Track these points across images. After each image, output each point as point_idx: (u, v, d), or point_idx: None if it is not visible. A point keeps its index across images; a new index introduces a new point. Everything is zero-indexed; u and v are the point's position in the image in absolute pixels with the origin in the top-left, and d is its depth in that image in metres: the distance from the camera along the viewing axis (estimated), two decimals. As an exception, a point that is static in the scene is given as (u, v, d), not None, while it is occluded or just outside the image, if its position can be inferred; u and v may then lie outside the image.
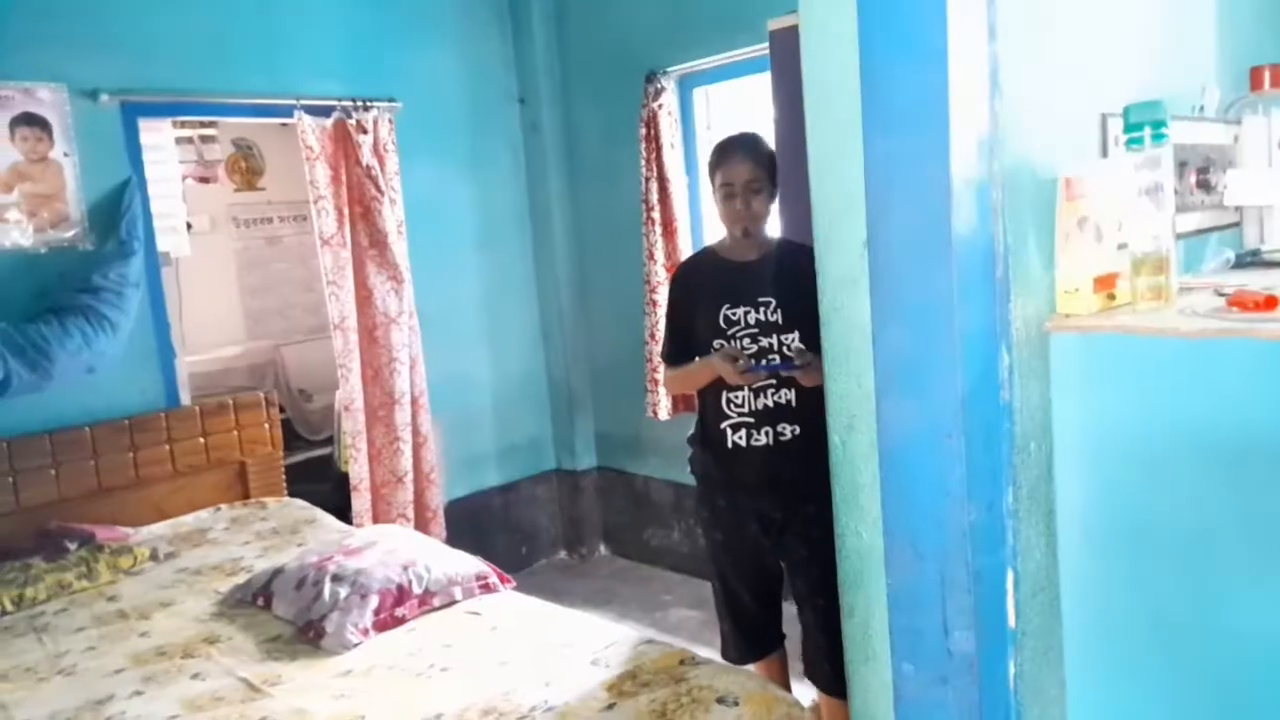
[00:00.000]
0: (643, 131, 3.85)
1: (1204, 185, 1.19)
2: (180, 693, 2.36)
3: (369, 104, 3.78)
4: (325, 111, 3.71)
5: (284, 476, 3.86)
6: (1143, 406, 0.90)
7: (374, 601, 2.66)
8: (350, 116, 3.73)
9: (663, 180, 3.84)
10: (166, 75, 3.42)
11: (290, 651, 2.56)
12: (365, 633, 2.60)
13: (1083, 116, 0.99)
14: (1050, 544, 0.97)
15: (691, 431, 2.66)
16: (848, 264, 0.99)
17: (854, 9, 0.90)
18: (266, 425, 3.79)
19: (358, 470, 3.91)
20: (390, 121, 3.84)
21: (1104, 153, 1.02)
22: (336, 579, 2.74)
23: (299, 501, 3.73)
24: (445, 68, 4.13)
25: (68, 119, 3.21)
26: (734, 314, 2.46)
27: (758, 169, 2.39)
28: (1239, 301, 0.88)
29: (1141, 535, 0.92)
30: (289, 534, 3.41)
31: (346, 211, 3.78)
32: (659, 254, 3.90)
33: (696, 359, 2.51)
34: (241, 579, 2.98)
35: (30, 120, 3.16)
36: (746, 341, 2.43)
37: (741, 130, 2.61)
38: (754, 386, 2.45)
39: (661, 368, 2.63)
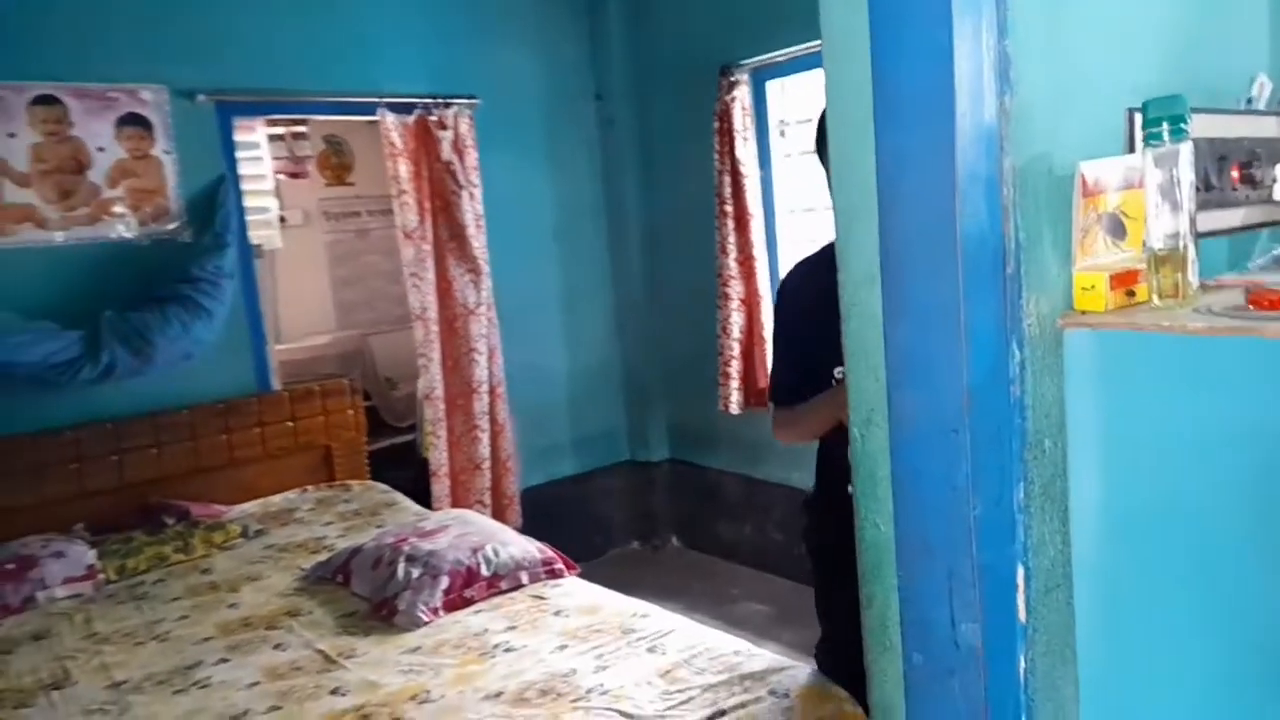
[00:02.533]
0: (716, 125, 3.87)
1: (1248, 180, 1.16)
2: (262, 661, 2.51)
3: (449, 101, 3.89)
4: (407, 109, 3.84)
5: (368, 461, 4.02)
6: (1157, 405, 0.89)
7: (444, 582, 2.77)
8: (431, 113, 3.85)
9: (736, 174, 3.85)
10: (258, 76, 3.60)
11: (364, 627, 2.69)
12: (435, 612, 2.71)
13: (1106, 112, 0.99)
14: (1065, 541, 0.97)
15: (808, 494, 2.08)
16: (866, 261, 1.00)
17: (866, 9, 0.92)
18: (351, 411, 3.96)
19: (438, 457, 4.05)
20: (470, 118, 3.95)
21: (1130, 148, 1.01)
22: (410, 559, 2.86)
23: (380, 485, 3.88)
24: (523, 65, 4.22)
25: (168, 119, 3.41)
26: None
27: None
28: (1257, 299, 0.87)
29: (1156, 534, 0.92)
30: (369, 515, 3.56)
31: (428, 205, 3.91)
32: (731, 247, 3.92)
33: (814, 399, 1.92)
34: (323, 556, 3.14)
35: (134, 120, 3.38)
36: None
37: None
38: None
39: (771, 410, 2.07)
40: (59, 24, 3.22)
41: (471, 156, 3.96)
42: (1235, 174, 1.15)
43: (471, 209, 3.95)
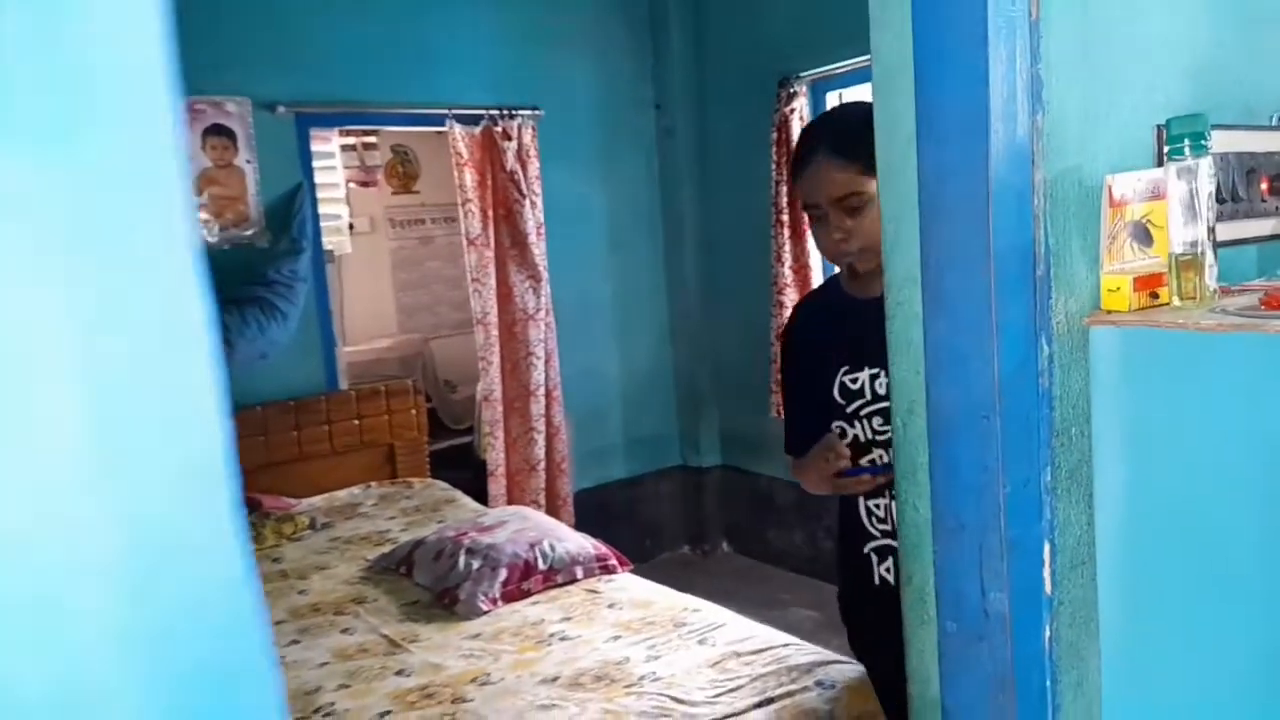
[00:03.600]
0: (774, 136, 3.98)
1: (1277, 192, 1.24)
2: (331, 644, 2.68)
3: (514, 112, 4.06)
4: (474, 120, 4.01)
5: (428, 460, 4.20)
6: (1175, 399, 0.99)
7: (503, 574, 2.92)
8: (496, 124, 4.02)
9: (793, 184, 3.95)
10: (334, 88, 3.80)
11: (427, 615, 2.85)
12: (494, 602, 2.85)
13: (1135, 128, 1.08)
14: (1089, 522, 1.07)
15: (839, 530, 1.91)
16: (909, 263, 1.11)
17: (910, 38, 1.04)
18: (414, 411, 4.14)
19: (494, 457, 4.21)
20: (533, 128, 4.11)
21: (1158, 162, 1.11)
22: (470, 552, 3.01)
23: (440, 483, 4.05)
24: (585, 76, 4.38)
25: (250, 129, 3.62)
26: (855, 381, 1.71)
27: (852, 171, 1.61)
28: (1269, 300, 0.96)
29: (1176, 518, 1.01)
30: (430, 511, 3.73)
31: (491, 213, 4.08)
32: (787, 256, 4.02)
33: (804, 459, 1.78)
34: (387, 549, 3.31)
35: (219, 131, 3.60)
36: (878, 423, 1.67)
37: (827, 111, 1.92)
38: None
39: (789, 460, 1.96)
40: (152, 40, 3.44)
41: (534, 166, 4.12)
42: (1264, 186, 1.23)
43: (533, 217, 4.10)
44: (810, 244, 3.99)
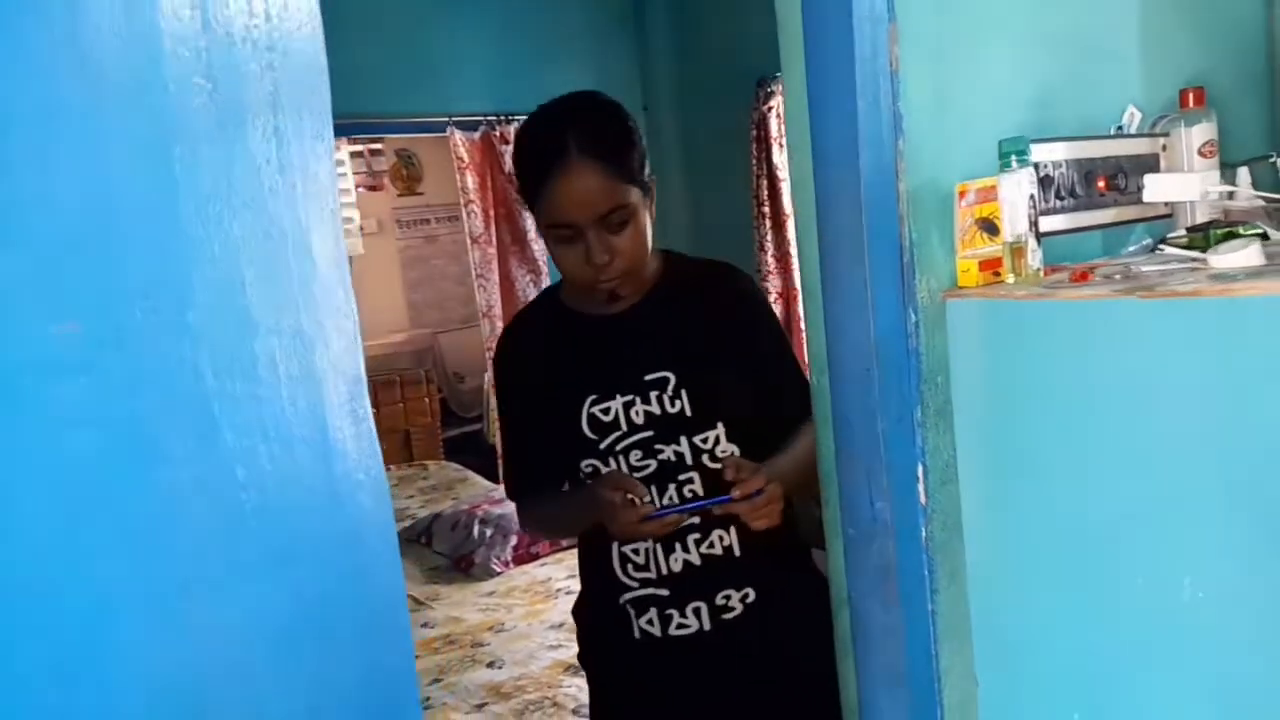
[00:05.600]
0: (753, 133, 4.32)
1: (1114, 187, 1.59)
2: (362, 605, 3.05)
3: (511, 117, 4.42)
4: (474, 126, 4.37)
5: (441, 445, 4.57)
6: (1007, 354, 1.34)
7: (513, 540, 3.29)
8: (494, 129, 4.38)
9: (772, 178, 4.30)
10: (342, 101, 4.11)
11: (447, 577, 3.23)
12: (506, 564, 3.22)
13: (986, 146, 1.43)
14: (952, 447, 1.42)
15: (576, 599, 1.74)
16: (814, 256, 1.47)
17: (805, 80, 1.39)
18: (427, 400, 4.52)
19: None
20: (529, 132, 4.46)
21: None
22: (484, 522, 3.38)
23: (454, 464, 4.43)
24: (578, 80, 4.69)
25: (268, 143, 3.99)
26: (607, 412, 1.54)
27: (615, 179, 1.44)
28: (1076, 276, 1.31)
29: (1009, 445, 1.36)
30: (445, 489, 4.11)
31: (492, 213, 4.44)
32: (769, 245, 4.37)
33: (562, 493, 1.61)
34: (408, 524, 3.68)
35: (240, 146, 3.96)
36: (636, 457, 1.52)
37: (559, 105, 1.59)
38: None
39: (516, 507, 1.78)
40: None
41: (531, 168, 4.46)
42: (1101, 184, 1.58)
43: (530, 215, 4.45)
44: (790, 232, 4.34)
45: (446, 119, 4.34)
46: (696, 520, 1.53)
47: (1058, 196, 1.55)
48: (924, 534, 1.42)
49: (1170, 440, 1.17)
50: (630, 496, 1.42)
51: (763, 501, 1.44)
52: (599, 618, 1.66)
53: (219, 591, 0.60)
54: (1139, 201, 1.64)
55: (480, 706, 2.27)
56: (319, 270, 0.71)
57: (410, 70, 4.32)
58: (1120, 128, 1.66)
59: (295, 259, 0.71)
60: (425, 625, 2.86)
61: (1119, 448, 1.22)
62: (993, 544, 1.42)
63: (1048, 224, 1.50)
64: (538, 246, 4.48)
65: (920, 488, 1.41)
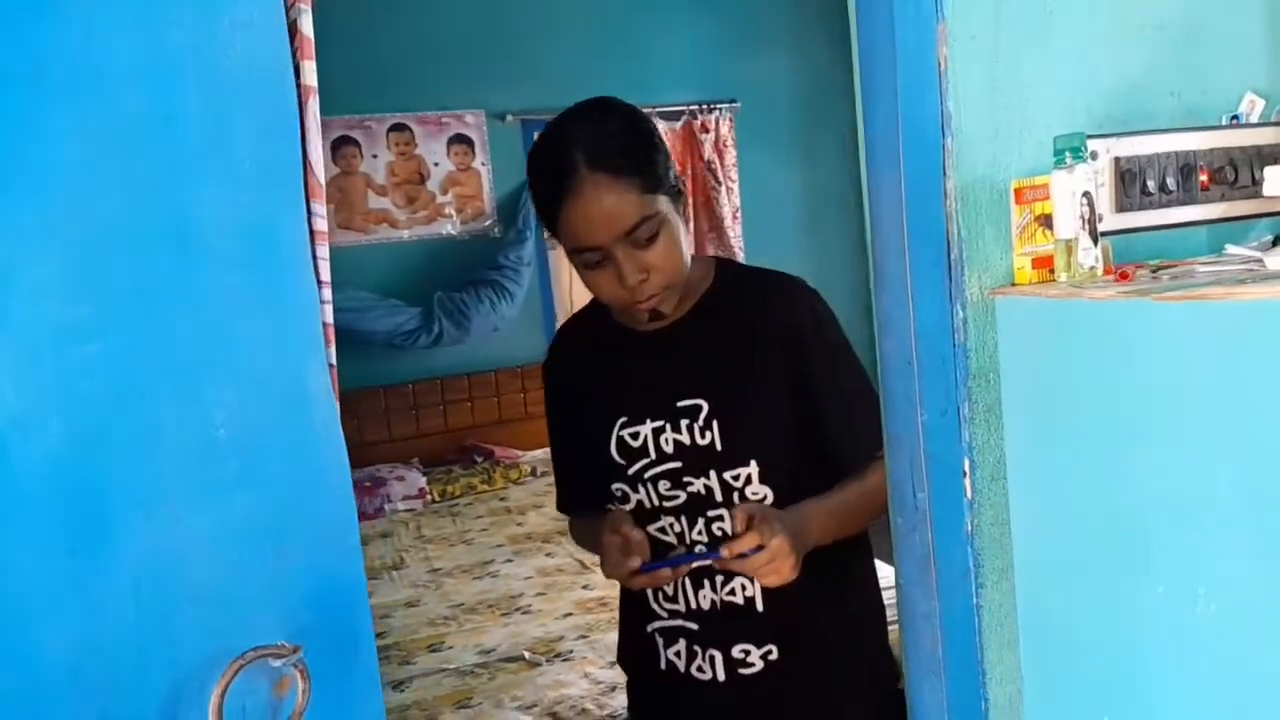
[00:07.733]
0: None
1: (1222, 181, 1.53)
2: (536, 564, 3.38)
3: (712, 106, 4.59)
4: (676, 115, 4.58)
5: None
6: (1051, 351, 1.36)
7: (679, 517, 3.50)
8: (696, 119, 4.56)
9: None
10: (553, 96, 4.49)
11: (614, 546, 3.50)
12: (669, 539, 3.45)
13: (1046, 141, 1.44)
14: (1001, 445, 1.45)
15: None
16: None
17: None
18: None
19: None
20: (730, 120, 4.62)
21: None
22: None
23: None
24: (780, 68, 4.82)
25: (485, 137, 4.41)
26: (636, 437, 1.47)
27: (635, 190, 1.36)
28: (1119, 275, 1.31)
29: (1060, 444, 1.38)
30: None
31: (690, 200, 4.63)
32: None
33: (595, 517, 1.56)
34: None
35: (461, 139, 4.41)
36: (665, 487, 1.46)
37: (568, 119, 1.56)
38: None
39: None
40: (407, 67, 4.31)
41: (730, 155, 4.62)
42: (1205, 177, 1.53)
43: (729, 203, 4.61)
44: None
45: (651, 109, 4.58)
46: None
47: (1144, 192, 1.51)
48: (968, 528, 1.46)
49: (1188, 448, 1.16)
50: (619, 548, 1.36)
51: (764, 559, 1.33)
52: (630, 642, 1.64)
53: (195, 502, 0.83)
54: (1256, 195, 1.56)
55: (613, 664, 2.48)
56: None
57: (616, 64, 4.60)
58: (1236, 117, 1.58)
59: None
60: (586, 588, 3.12)
61: (1140, 453, 1.22)
62: (1038, 544, 1.43)
63: (1128, 221, 1.48)
64: (734, 233, 4.64)
65: (966, 482, 1.45)
